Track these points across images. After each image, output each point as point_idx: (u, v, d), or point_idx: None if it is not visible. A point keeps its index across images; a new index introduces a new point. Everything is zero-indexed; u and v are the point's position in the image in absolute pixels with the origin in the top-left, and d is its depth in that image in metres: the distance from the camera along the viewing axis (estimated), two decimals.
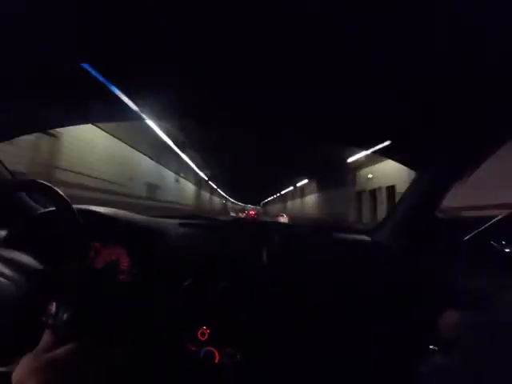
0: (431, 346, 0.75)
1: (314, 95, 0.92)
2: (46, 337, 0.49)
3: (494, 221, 0.94)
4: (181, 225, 1.16)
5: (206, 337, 0.86)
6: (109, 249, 0.91)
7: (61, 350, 0.46)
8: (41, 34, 0.66)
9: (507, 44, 0.59)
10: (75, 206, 0.92)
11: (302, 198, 26.38)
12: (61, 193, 0.73)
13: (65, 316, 0.55)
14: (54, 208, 0.81)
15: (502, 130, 0.86)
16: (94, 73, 0.80)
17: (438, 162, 1.06)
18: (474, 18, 0.55)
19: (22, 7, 0.57)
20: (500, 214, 0.92)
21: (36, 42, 0.69)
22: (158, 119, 1.72)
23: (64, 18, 0.62)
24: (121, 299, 0.85)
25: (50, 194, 0.74)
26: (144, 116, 1.05)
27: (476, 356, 0.57)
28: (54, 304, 0.57)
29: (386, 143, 1.09)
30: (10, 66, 0.75)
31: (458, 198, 1.15)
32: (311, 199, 22.56)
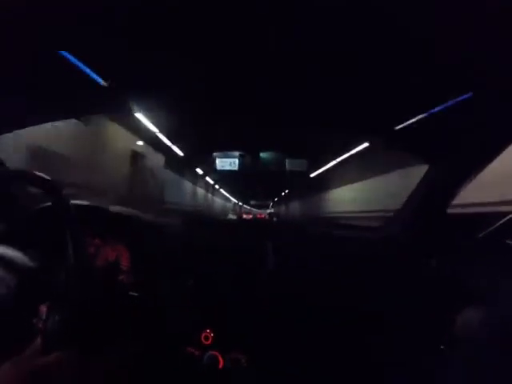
0: (442, 347, 0.72)
1: (324, 83, 0.91)
2: (36, 341, 0.46)
3: (507, 218, 0.91)
4: (183, 223, 1.12)
5: (210, 341, 0.82)
6: (109, 246, 0.87)
7: (50, 358, 0.43)
8: (25, 25, 0.63)
9: None
10: (73, 202, 0.89)
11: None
12: (58, 187, 0.69)
13: (57, 319, 0.52)
14: (49, 203, 0.77)
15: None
16: (80, 65, 0.77)
17: (449, 155, 1.02)
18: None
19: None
20: None
21: (21, 34, 0.65)
22: (149, 111, 1.69)
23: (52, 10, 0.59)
24: (121, 301, 0.81)
25: (46, 188, 0.70)
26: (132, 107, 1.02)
27: (487, 355, 0.55)
28: (46, 306, 0.54)
29: (399, 138, 1.07)
30: None
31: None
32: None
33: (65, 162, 3.89)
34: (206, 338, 0.82)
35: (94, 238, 0.87)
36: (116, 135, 5.98)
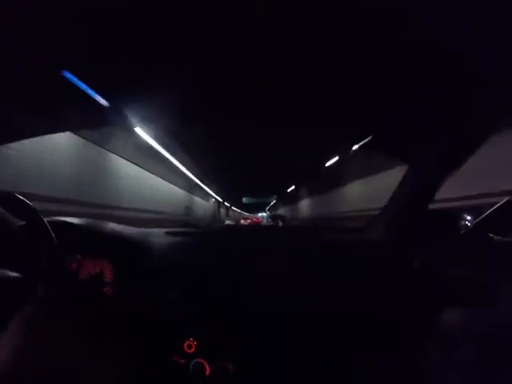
0: (432, 346, 0.72)
1: (313, 84, 0.91)
2: None
3: (489, 212, 0.92)
4: (167, 234, 1.13)
5: (194, 349, 0.82)
6: (92, 260, 0.88)
7: None
8: (19, 39, 0.63)
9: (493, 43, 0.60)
10: (53, 219, 0.90)
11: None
12: (31, 205, 0.71)
13: None
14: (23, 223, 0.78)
15: (488, 122, 0.86)
16: (73, 79, 0.78)
17: (428, 154, 1.03)
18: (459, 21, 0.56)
19: None
20: (495, 204, 0.90)
21: (12, 48, 0.65)
22: (141, 122, 1.68)
23: (42, 24, 0.60)
24: (104, 312, 0.82)
25: (20, 207, 0.72)
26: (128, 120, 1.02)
27: (477, 355, 0.54)
28: None
29: (379, 136, 1.08)
30: None
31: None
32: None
33: None
34: (189, 347, 0.82)
35: (76, 253, 0.88)
36: None
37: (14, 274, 0.61)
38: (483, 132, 0.89)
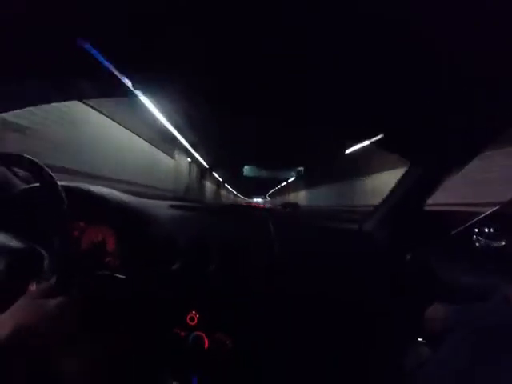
0: (420, 339, 0.77)
1: (314, 85, 0.91)
2: None
3: (480, 217, 0.97)
4: (171, 207, 1.13)
5: (196, 321, 0.85)
6: (94, 228, 0.87)
7: None
8: (33, 9, 0.61)
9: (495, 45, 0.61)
10: (60, 183, 0.88)
11: None
12: (46, 168, 0.69)
13: None
14: (37, 184, 0.76)
15: (491, 128, 0.88)
16: (87, 47, 0.75)
17: (428, 156, 1.07)
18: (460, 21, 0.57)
19: None
20: (486, 211, 0.95)
21: (27, 17, 0.64)
22: (151, 96, 1.64)
23: None
24: (106, 283, 0.82)
25: (34, 170, 0.70)
26: (136, 92, 0.99)
27: (463, 351, 0.58)
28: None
29: (381, 136, 1.10)
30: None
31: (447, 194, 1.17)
32: None
33: None
34: (192, 319, 0.85)
35: (80, 220, 0.87)
36: None
37: (20, 244, 0.60)
38: (485, 135, 0.91)
